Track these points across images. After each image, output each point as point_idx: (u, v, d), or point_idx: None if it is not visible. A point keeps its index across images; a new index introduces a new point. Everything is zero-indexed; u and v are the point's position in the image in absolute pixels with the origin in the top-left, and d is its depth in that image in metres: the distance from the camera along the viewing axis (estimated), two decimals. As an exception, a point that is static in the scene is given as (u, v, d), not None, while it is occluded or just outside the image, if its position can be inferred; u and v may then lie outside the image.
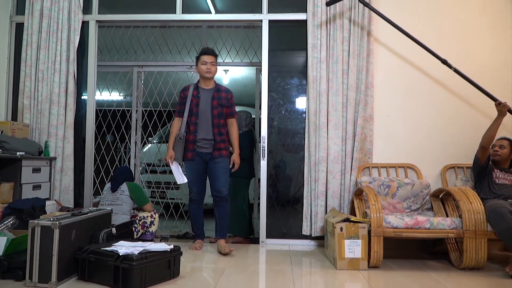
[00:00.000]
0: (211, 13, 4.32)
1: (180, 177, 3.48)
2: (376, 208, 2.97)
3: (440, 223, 2.96)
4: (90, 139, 4.04)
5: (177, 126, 3.47)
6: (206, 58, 3.42)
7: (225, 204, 3.48)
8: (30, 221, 2.42)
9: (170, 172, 3.54)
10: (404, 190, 3.52)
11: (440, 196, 3.50)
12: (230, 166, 3.47)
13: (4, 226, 2.88)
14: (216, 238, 3.59)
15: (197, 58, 3.48)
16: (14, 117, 4.00)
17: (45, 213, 3.25)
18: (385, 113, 3.80)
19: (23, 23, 3.98)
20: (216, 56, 3.49)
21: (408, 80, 3.81)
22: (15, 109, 3.99)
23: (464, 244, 2.93)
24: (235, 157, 3.51)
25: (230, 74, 7.16)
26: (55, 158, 3.84)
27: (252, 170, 4.70)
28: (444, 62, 3.47)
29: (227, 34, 4.79)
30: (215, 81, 3.55)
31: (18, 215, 3.03)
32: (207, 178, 3.55)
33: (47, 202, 3.41)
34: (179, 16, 4.06)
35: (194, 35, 4.74)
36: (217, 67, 3.51)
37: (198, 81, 3.53)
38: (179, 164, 3.51)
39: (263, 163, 3.92)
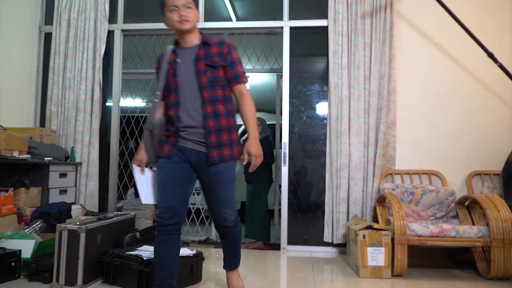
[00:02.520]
0: (232, 20, 4.37)
1: (146, 194, 2.24)
2: (399, 216, 2.93)
3: (466, 232, 2.89)
4: (114, 145, 4.12)
5: (151, 114, 2.27)
6: (175, 1, 2.14)
7: (233, 232, 2.35)
8: (57, 225, 2.49)
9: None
10: (428, 197, 3.46)
11: (465, 204, 3.43)
12: (244, 163, 2.14)
13: (32, 230, 2.97)
14: (225, 269, 2.49)
15: (162, 5, 2.21)
16: (42, 123, 4.12)
17: (71, 217, 3.33)
18: (408, 118, 3.75)
19: (51, 33, 4.11)
20: None
21: (432, 85, 3.76)
22: (43, 116, 4.11)
23: (491, 253, 2.85)
24: (251, 146, 2.10)
25: (250, 80, 7.20)
26: (80, 164, 3.93)
27: (271, 176, 4.72)
28: (491, 55, 3.29)
29: (248, 41, 4.83)
30: (201, 33, 2.26)
31: (46, 218, 3.11)
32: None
33: (73, 206, 3.50)
34: (201, 24, 4.12)
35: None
36: (197, 12, 2.21)
37: (175, 40, 2.28)
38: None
39: (284, 169, 3.91)
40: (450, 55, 3.72)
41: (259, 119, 4.88)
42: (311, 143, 3.96)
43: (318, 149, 3.93)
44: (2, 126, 3.23)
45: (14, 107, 3.92)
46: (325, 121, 3.90)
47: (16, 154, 3.19)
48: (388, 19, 3.71)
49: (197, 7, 2.23)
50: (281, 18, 3.99)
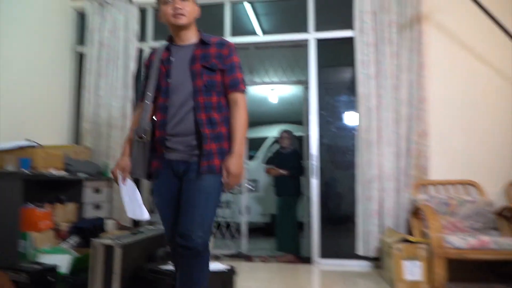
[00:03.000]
0: (257, 34, 4.41)
1: (130, 207, 1.95)
2: (435, 228, 2.84)
3: (507, 244, 2.78)
4: (145, 160, 4.19)
5: (137, 117, 2.03)
6: None
7: (196, 259, 1.79)
8: (92, 240, 2.54)
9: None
10: (464, 208, 3.35)
11: (504, 214, 3.30)
12: (222, 180, 1.84)
13: (68, 245, 3.04)
14: None
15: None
16: (77, 140, 4.24)
17: (106, 232, 3.40)
18: (441, 127, 3.65)
19: (85, 52, 4.25)
20: None
21: (465, 91, 3.65)
22: (78, 133, 4.24)
23: (535, 266, 2.73)
24: (230, 163, 1.83)
25: (277, 92, 7.23)
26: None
27: (300, 188, 4.69)
28: None
29: (274, 53, 4.86)
30: (198, 30, 2.01)
31: (81, 233, 3.19)
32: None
33: (107, 221, 3.56)
34: (228, 39, 4.16)
35: (242, 55, 4.84)
36: (195, 6, 1.97)
37: (169, 36, 2.03)
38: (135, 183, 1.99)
39: (314, 181, 3.88)
40: (484, 59, 3.62)
41: (287, 131, 4.88)
42: (340, 154, 3.92)
43: (348, 160, 3.88)
44: (39, 144, 3.34)
45: (50, 124, 4.06)
46: (354, 131, 3.85)
47: (52, 171, 3.29)
48: (416, 27, 3.66)
49: (196, 1, 1.98)
50: (306, 30, 4.00)
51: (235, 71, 1.94)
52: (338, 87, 3.98)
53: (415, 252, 2.83)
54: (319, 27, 3.98)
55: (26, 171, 2.95)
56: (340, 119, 3.96)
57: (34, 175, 3.03)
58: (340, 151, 3.92)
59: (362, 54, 3.74)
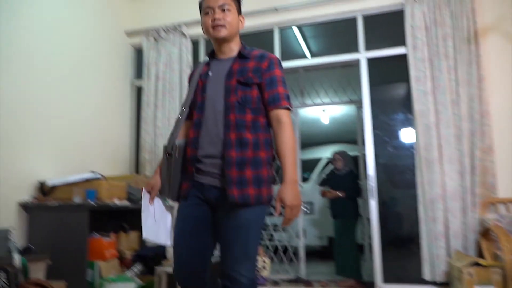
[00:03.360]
0: (306, 56, 4.43)
1: (149, 229, 1.79)
2: (509, 249, 2.65)
3: None
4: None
5: (173, 133, 1.87)
6: (211, 2, 1.80)
7: None
8: (156, 268, 2.62)
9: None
10: (541, 228, 3.10)
11: None
12: (276, 215, 1.62)
13: (133, 273, 3.14)
14: None
15: (200, 9, 1.87)
16: (137, 170, 4.43)
17: (167, 259, 3.48)
18: (507, 142, 3.43)
19: (142, 86, 4.48)
20: None
21: (532, 103, 3.43)
22: (138, 163, 4.43)
23: None
24: (285, 193, 1.59)
25: (328, 112, 7.18)
26: (173, 207, 4.12)
27: (358, 210, 4.57)
28: None
29: (324, 74, 4.85)
30: (242, 43, 1.88)
31: (144, 261, 3.29)
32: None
33: (169, 249, 3.65)
34: (278, 64, 4.21)
35: (292, 78, 4.88)
36: (238, 16, 1.85)
37: (212, 50, 1.92)
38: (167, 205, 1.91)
39: (372, 203, 3.76)
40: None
41: (341, 153, 4.81)
42: (398, 174, 3.80)
43: (407, 180, 3.74)
44: (103, 175, 3.52)
45: (112, 156, 4.27)
46: (412, 150, 3.71)
47: (116, 201, 3.44)
48: (473, 38, 3.51)
49: (240, 11, 1.86)
50: (356, 50, 3.96)
51: (275, 85, 1.74)
52: (393, 104, 3.89)
53: (488, 277, 2.64)
54: (369, 46, 3.93)
55: (92, 203, 3.11)
56: (396, 137, 3.84)
57: (100, 206, 3.18)
58: (398, 171, 3.80)
59: (417, 70, 3.63)
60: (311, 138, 7.52)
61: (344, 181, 4.67)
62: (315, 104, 5.01)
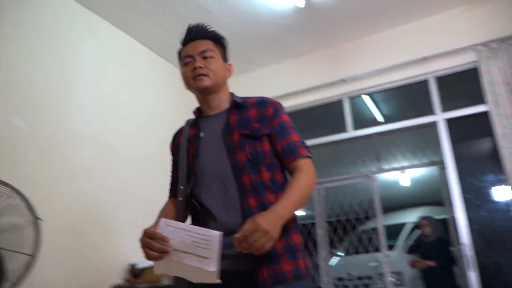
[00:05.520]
0: (378, 121, 4.38)
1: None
2: None
3: None
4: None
5: (164, 214, 1.52)
6: (190, 49, 1.54)
7: None
8: None
9: None
10: None
11: None
12: (236, 238, 1.21)
13: None
14: None
15: (179, 59, 1.61)
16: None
17: None
18: None
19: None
20: (212, 37, 1.58)
21: None
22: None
23: None
24: (261, 217, 1.23)
25: (408, 174, 6.89)
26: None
27: (455, 280, 4.18)
28: None
29: (399, 136, 4.73)
30: (230, 93, 1.62)
31: None
32: None
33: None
34: (351, 133, 4.20)
35: (365, 143, 4.82)
36: (224, 63, 1.60)
37: (197, 108, 1.64)
38: None
39: (471, 275, 3.42)
40: None
41: (428, 218, 4.52)
42: (497, 239, 3.46)
43: (509, 243, 3.39)
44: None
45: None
46: (509, 211, 3.40)
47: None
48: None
49: (225, 57, 1.60)
50: (432, 112, 3.82)
51: (288, 133, 1.49)
52: (479, 163, 3.65)
53: None
54: (445, 106, 3.81)
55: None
56: (489, 199, 3.56)
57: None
58: (497, 235, 3.46)
59: (503, 128, 3.42)
60: (392, 202, 7.19)
61: (434, 249, 4.34)
62: (393, 169, 4.86)
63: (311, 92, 4.27)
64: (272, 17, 3.71)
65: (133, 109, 3.75)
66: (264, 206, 1.35)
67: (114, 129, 3.50)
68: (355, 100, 4.40)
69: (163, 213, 1.52)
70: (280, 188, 1.42)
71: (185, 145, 1.54)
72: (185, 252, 1.25)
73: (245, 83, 4.62)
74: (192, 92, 1.60)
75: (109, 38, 3.64)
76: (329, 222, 4.84)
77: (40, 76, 2.97)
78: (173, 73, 4.12)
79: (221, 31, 1.61)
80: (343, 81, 4.16)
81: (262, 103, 1.54)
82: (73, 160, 3.08)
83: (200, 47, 1.53)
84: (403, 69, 3.92)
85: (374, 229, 4.57)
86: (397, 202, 7.44)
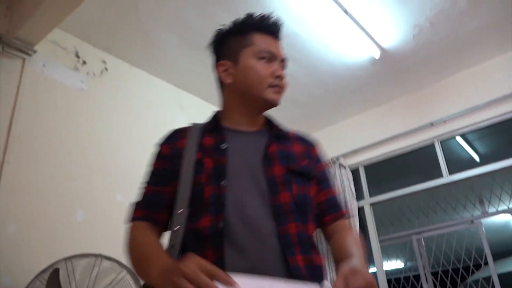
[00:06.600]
0: (474, 159, 4.09)
1: None
2: None
3: None
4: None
5: (140, 246, 1.03)
6: (275, 47, 1.20)
7: None
8: None
9: None
10: None
11: None
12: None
13: None
14: None
15: (237, 38, 1.21)
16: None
17: None
18: None
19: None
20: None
21: None
22: None
23: None
24: (363, 268, 0.94)
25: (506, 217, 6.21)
26: None
27: None
28: None
29: (503, 175, 4.35)
30: (264, 116, 1.26)
31: None
32: None
33: None
34: (447, 178, 3.95)
35: (465, 186, 4.50)
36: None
37: (215, 114, 1.24)
38: None
39: None
40: None
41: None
42: None
43: None
44: None
45: None
46: None
47: None
48: None
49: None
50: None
51: (332, 184, 1.23)
52: None
53: None
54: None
55: None
56: None
57: None
58: None
59: None
60: (504, 247, 6.47)
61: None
62: (502, 211, 4.43)
63: (398, 139, 4.17)
64: (349, 71, 3.75)
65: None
66: (313, 269, 1.02)
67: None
68: (446, 142, 4.19)
69: (149, 250, 1.00)
70: (317, 248, 1.09)
71: (194, 154, 1.10)
72: None
73: (328, 136, 4.68)
74: (242, 95, 1.19)
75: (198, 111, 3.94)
76: (433, 273, 4.49)
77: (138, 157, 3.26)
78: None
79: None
80: (431, 124, 4.01)
81: (305, 140, 1.25)
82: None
83: (283, 53, 1.22)
84: (496, 105, 3.68)
85: (486, 279, 4.13)
86: (509, 246, 6.67)
